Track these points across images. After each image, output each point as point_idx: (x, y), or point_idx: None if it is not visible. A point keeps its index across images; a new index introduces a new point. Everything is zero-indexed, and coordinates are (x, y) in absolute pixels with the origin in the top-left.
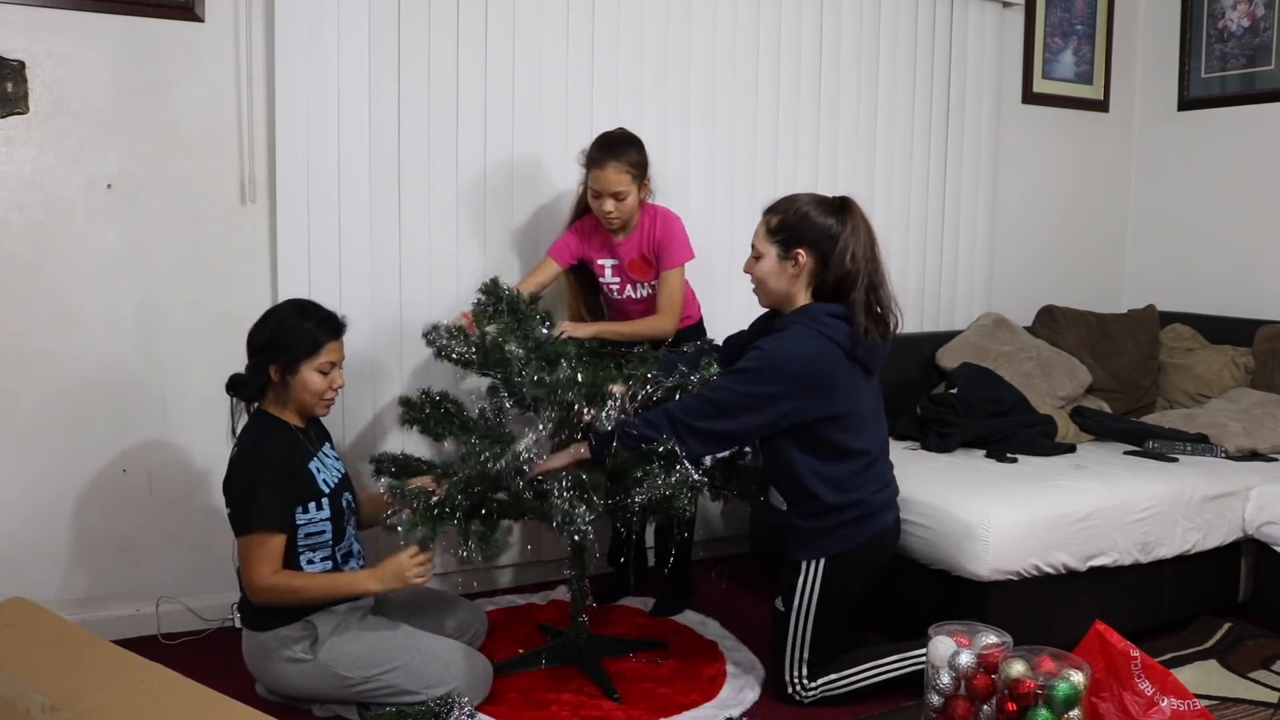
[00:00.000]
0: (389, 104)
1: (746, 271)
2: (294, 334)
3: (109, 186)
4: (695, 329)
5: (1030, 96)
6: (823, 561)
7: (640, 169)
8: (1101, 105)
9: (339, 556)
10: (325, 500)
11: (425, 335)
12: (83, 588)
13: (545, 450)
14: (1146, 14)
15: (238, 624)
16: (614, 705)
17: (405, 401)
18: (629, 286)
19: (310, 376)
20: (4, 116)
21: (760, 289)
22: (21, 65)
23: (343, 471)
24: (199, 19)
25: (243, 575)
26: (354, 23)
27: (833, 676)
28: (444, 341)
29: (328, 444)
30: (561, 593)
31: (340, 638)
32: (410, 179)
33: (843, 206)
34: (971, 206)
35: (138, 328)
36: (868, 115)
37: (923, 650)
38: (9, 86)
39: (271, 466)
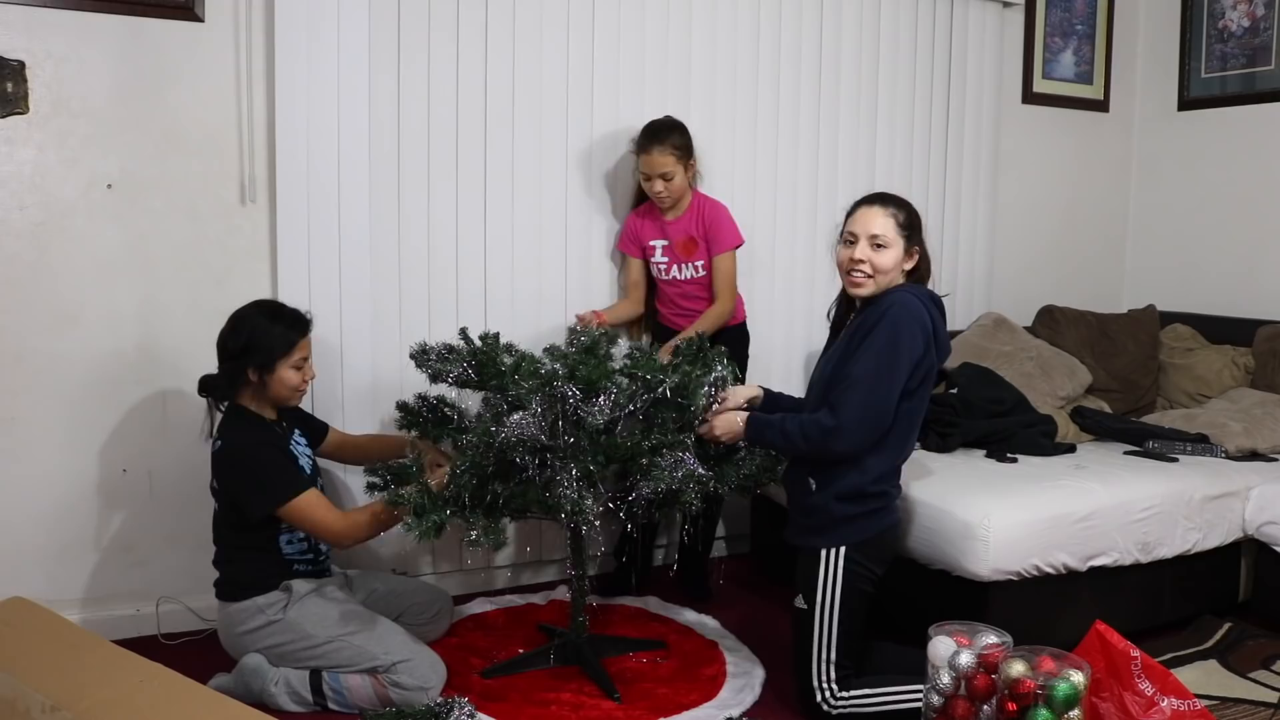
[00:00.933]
0: (389, 104)
1: (860, 260)
2: (267, 337)
3: (109, 186)
4: (740, 329)
5: (1030, 96)
6: (843, 550)
7: (684, 150)
8: (1101, 105)
9: (313, 538)
10: (304, 483)
11: (414, 357)
12: (83, 588)
13: (542, 422)
14: (1146, 14)
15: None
16: (614, 705)
17: (403, 407)
18: (676, 266)
19: (287, 374)
20: (4, 116)
21: (875, 278)
22: (21, 65)
23: (313, 458)
24: (199, 19)
25: (316, 531)
26: (354, 23)
27: (867, 691)
28: (436, 365)
29: (298, 431)
30: (561, 593)
31: (311, 598)
32: (410, 179)
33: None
34: (971, 206)
35: (138, 328)
36: (868, 115)
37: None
38: (9, 86)
39: (267, 446)
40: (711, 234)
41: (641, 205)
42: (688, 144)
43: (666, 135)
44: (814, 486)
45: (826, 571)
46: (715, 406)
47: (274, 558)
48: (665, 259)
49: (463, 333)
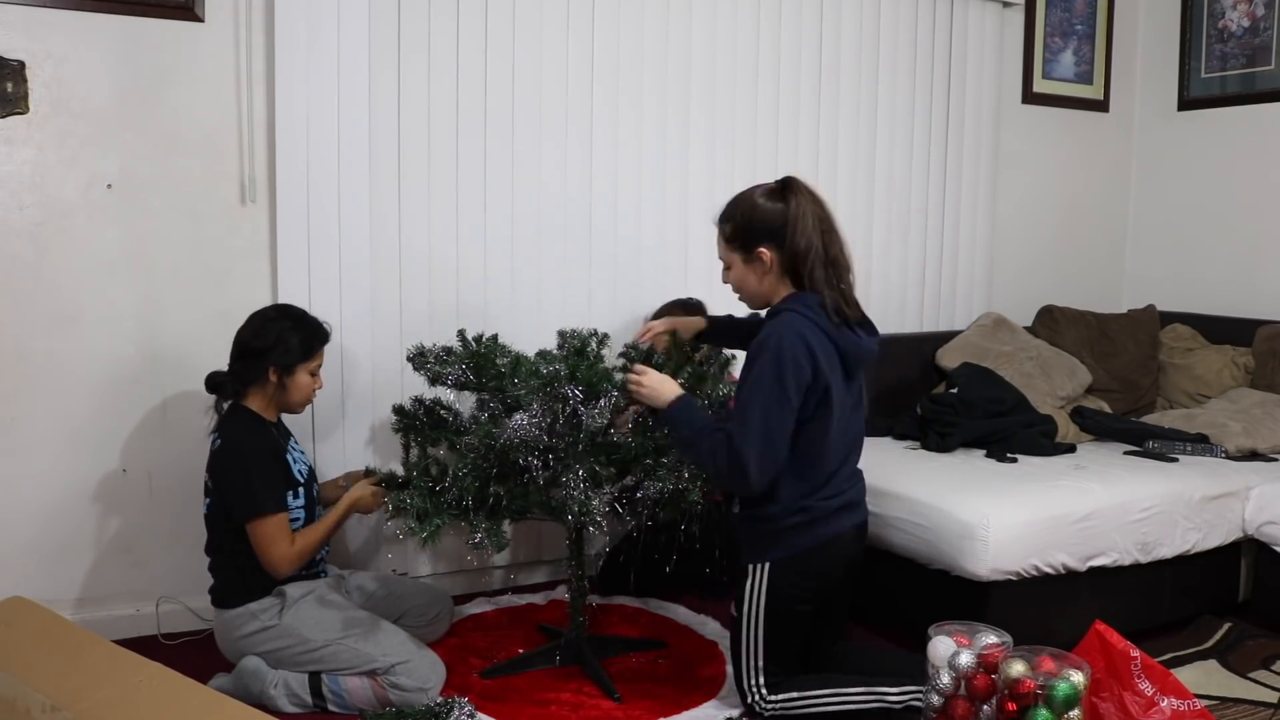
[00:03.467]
0: (389, 104)
1: (725, 283)
2: (294, 339)
3: (109, 186)
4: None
5: (1030, 96)
6: (767, 566)
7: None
8: (1101, 105)
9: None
10: (300, 489)
11: (411, 360)
12: (82, 588)
13: (543, 423)
14: (1146, 14)
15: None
16: (614, 705)
17: (399, 410)
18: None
19: (304, 379)
20: (4, 116)
21: (743, 297)
22: (21, 65)
23: (310, 464)
24: (199, 19)
25: (263, 556)
26: (354, 23)
27: (794, 695)
28: (435, 368)
29: (293, 439)
30: (561, 592)
31: (307, 602)
32: (410, 179)
33: (785, 187)
34: (971, 206)
35: (138, 328)
36: (868, 116)
37: (893, 690)
38: (9, 86)
39: (264, 454)
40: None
41: None
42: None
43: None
44: (736, 507)
45: (752, 586)
46: (642, 336)
47: None
48: None
49: (460, 335)
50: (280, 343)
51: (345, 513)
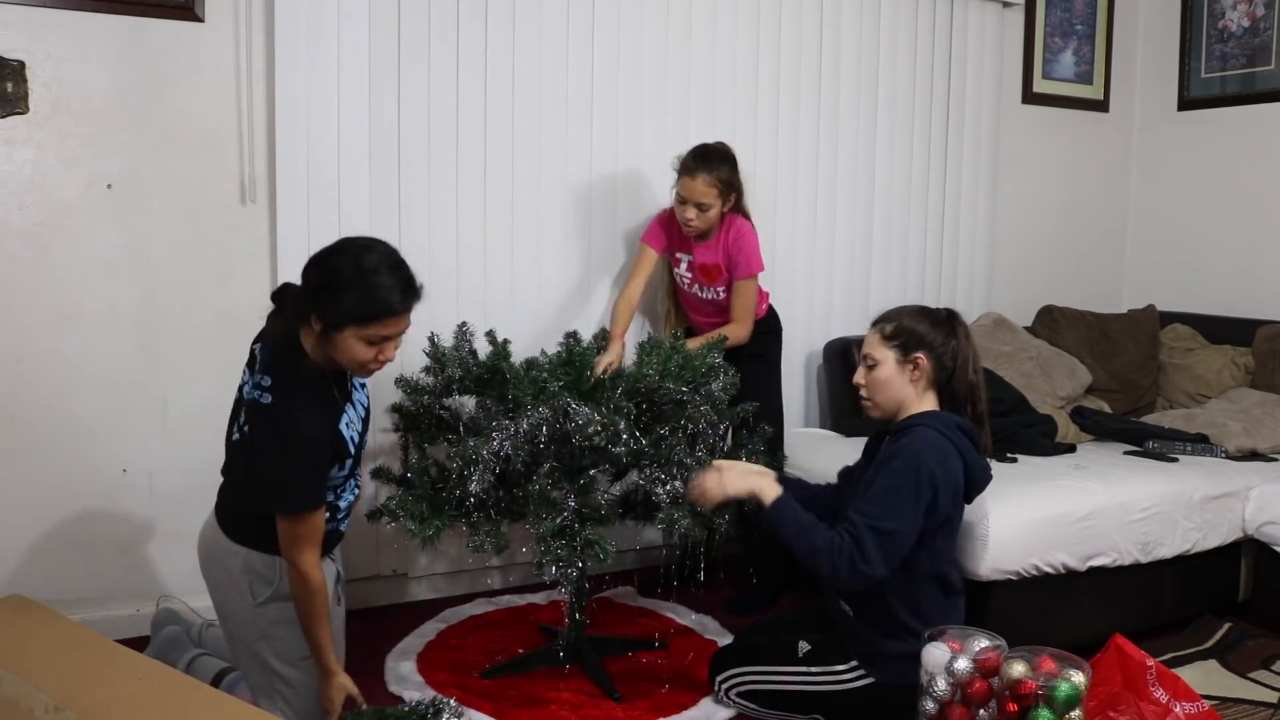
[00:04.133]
0: (389, 104)
1: (858, 384)
2: (351, 290)
3: (109, 186)
4: (768, 319)
5: (1030, 96)
6: (871, 681)
7: (728, 186)
8: (1101, 105)
9: (338, 491)
10: (349, 460)
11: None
12: (83, 587)
13: (518, 443)
14: (1146, 14)
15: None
16: (614, 705)
17: (397, 409)
18: (697, 285)
19: (353, 344)
20: (4, 116)
21: (876, 397)
22: (21, 65)
23: (366, 406)
24: (199, 19)
25: (285, 550)
26: (354, 23)
27: (734, 671)
28: (439, 371)
29: (355, 393)
30: (561, 593)
31: (289, 609)
32: (410, 179)
33: (951, 317)
34: (971, 206)
35: (138, 328)
36: (868, 116)
37: (816, 671)
38: (9, 86)
39: (315, 445)
40: (734, 259)
41: (668, 211)
42: (733, 180)
43: (716, 165)
44: (850, 613)
45: (837, 678)
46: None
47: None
48: (689, 274)
49: (462, 328)
50: (331, 283)
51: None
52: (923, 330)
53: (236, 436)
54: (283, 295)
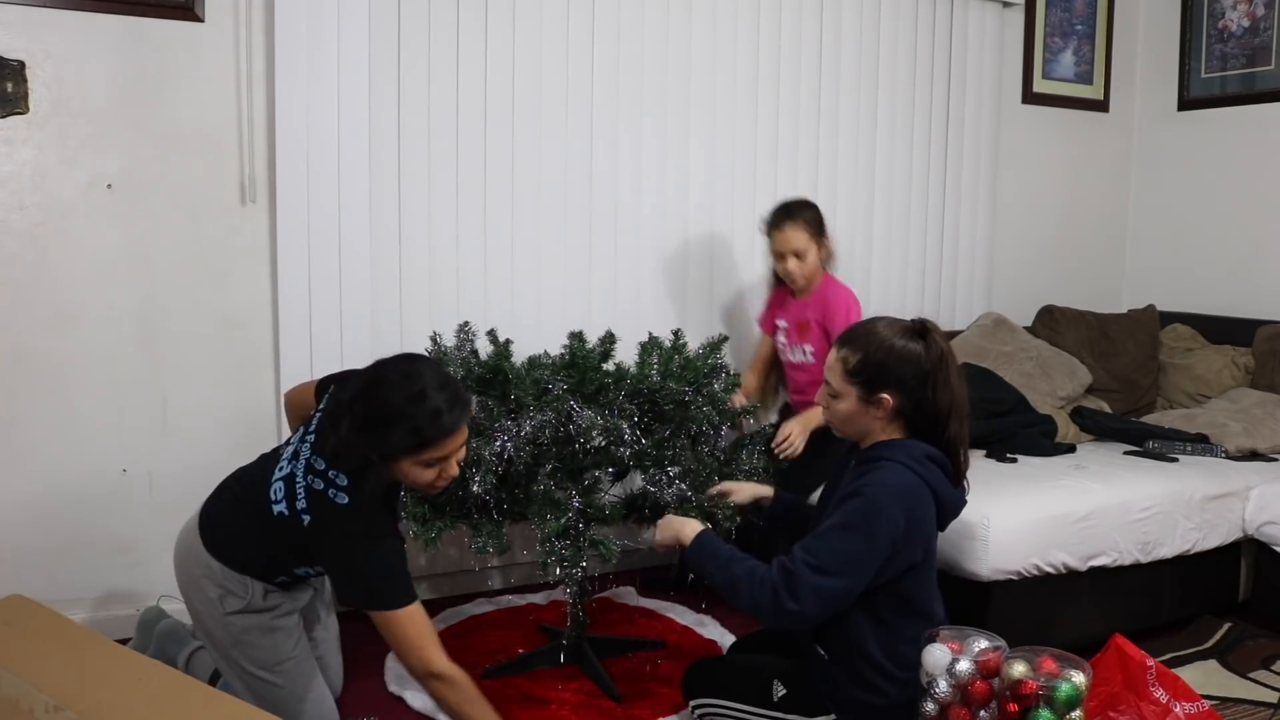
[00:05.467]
0: (389, 104)
1: (818, 404)
2: (398, 424)
3: (109, 186)
4: None
5: (1030, 96)
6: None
7: (816, 226)
8: (1101, 105)
9: None
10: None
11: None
12: (83, 587)
13: (520, 444)
14: (1146, 14)
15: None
16: (614, 705)
17: None
18: (790, 349)
19: (410, 471)
20: (4, 116)
21: (836, 424)
22: (21, 65)
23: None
24: (199, 19)
25: (407, 657)
26: (354, 23)
27: (707, 701)
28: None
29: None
30: (561, 592)
31: (260, 619)
32: (410, 179)
33: (924, 332)
34: (971, 206)
35: (138, 328)
36: (868, 115)
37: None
38: (9, 86)
39: (399, 548)
40: (828, 318)
41: (775, 289)
42: (820, 220)
43: (799, 211)
44: (826, 657)
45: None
46: (713, 491)
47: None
48: (784, 339)
49: (463, 328)
50: (373, 425)
51: None
52: (890, 364)
53: (283, 510)
54: (338, 447)
